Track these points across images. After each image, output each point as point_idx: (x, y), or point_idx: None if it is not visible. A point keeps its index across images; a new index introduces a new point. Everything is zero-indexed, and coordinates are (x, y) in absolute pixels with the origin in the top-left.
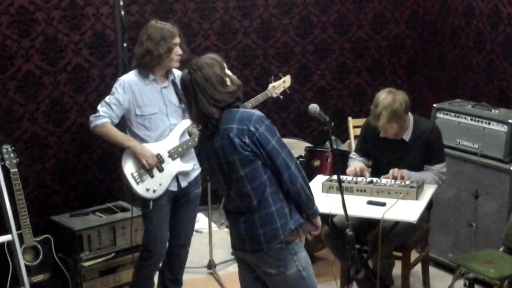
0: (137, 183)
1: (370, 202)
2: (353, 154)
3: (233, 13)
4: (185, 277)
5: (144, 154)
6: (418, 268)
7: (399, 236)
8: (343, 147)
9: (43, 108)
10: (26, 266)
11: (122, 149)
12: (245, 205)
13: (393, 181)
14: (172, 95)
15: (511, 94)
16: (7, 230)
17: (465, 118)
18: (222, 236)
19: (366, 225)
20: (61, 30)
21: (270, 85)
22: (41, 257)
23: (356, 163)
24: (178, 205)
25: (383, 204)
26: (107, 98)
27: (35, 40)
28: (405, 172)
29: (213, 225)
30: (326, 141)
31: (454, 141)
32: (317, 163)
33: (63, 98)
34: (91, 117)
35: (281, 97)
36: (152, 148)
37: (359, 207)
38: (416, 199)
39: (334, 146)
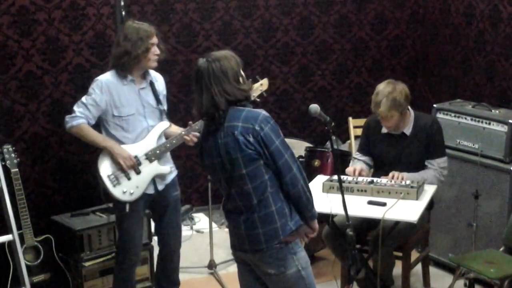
0: (114, 186)
1: (370, 202)
2: (356, 154)
3: (234, 14)
4: (186, 277)
5: (122, 154)
6: (418, 268)
7: (399, 236)
8: (344, 147)
9: (44, 108)
10: (27, 266)
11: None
12: (245, 204)
13: (393, 181)
14: (150, 96)
15: (511, 94)
16: (7, 230)
17: (465, 118)
18: (223, 236)
19: (366, 225)
20: (62, 30)
21: None
22: (41, 257)
23: (357, 164)
24: (160, 210)
25: (384, 204)
26: (83, 99)
27: (36, 40)
28: (405, 174)
29: (214, 225)
30: (326, 141)
31: (454, 141)
32: (317, 163)
33: (64, 98)
34: (67, 118)
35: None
36: (129, 149)
37: (359, 207)
38: (417, 199)
39: (335, 146)
